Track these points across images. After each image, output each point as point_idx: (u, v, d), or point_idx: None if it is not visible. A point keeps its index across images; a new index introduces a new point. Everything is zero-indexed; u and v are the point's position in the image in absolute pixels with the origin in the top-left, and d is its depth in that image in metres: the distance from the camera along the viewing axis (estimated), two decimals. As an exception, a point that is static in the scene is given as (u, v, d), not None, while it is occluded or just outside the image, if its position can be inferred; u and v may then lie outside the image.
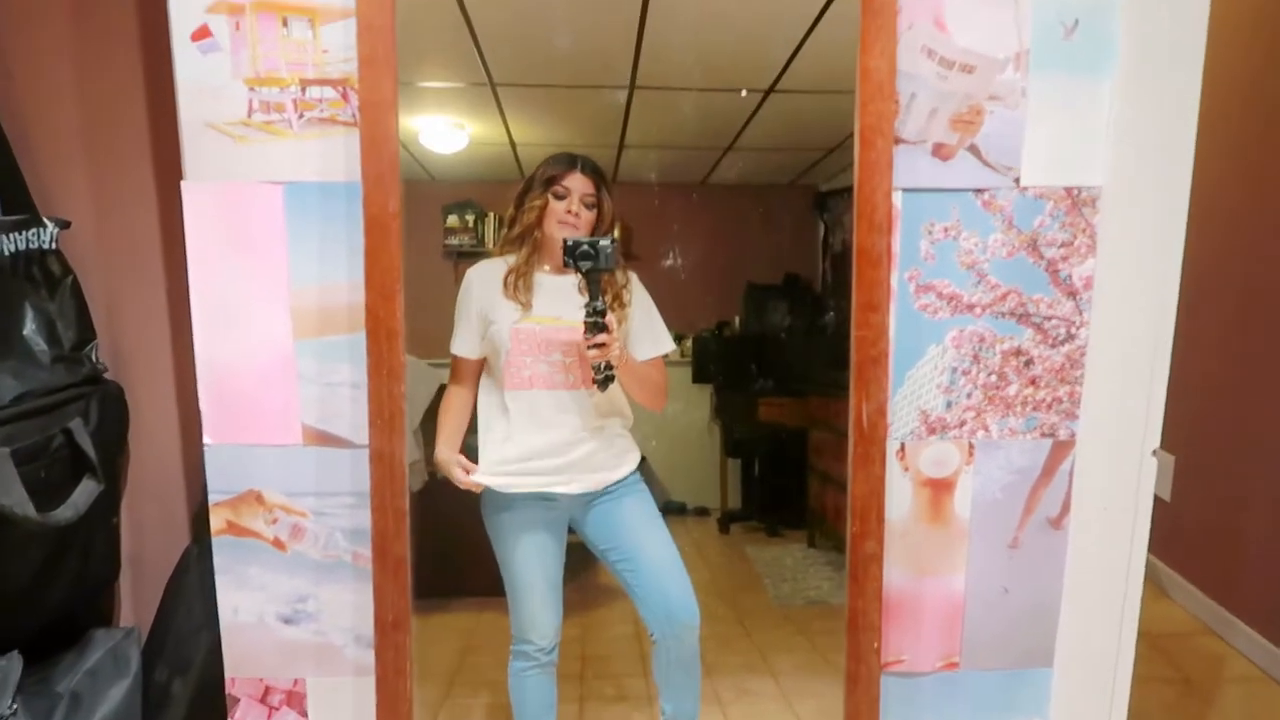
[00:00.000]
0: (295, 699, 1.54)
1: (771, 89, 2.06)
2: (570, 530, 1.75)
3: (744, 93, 2.09)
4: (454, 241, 2.54)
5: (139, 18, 1.65)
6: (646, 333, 1.70)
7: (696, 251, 2.45)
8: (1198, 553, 2.84)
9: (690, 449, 2.81)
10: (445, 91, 2.15)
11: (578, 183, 1.63)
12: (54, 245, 1.58)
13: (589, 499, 1.69)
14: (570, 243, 1.49)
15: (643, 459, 1.78)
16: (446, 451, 1.68)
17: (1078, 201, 1.42)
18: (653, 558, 1.69)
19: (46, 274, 1.58)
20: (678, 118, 2.19)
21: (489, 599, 1.81)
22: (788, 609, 2.52)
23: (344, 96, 1.38)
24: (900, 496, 1.49)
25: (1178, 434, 2.81)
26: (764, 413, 2.74)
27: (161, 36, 1.36)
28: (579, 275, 1.55)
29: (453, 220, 2.53)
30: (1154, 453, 1.47)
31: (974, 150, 1.41)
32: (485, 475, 1.65)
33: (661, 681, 1.75)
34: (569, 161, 1.64)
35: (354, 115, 1.37)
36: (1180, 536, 2.90)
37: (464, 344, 1.68)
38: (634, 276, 1.72)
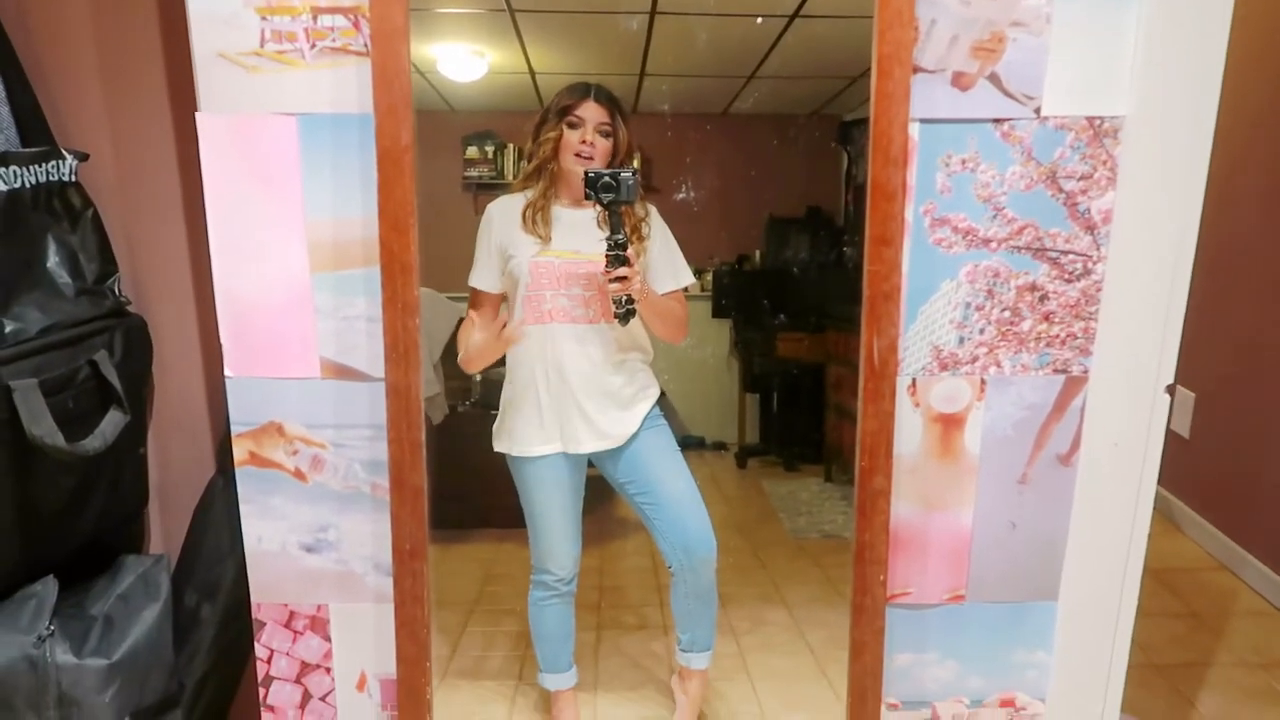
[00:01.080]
0: (319, 624, 1.59)
1: (795, 15, 2.01)
2: (589, 464, 1.77)
3: (760, 20, 2.04)
4: (474, 173, 2.53)
5: (150, -55, 1.64)
6: (666, 266, 1.70)
7: (717, 183, 2.42)
8: (1214, 489, 2.84)
9: (709, 384, 2.82)
10: (464, 17, 2.12)
11: (591, 111, 1.61)
12: (74, 178, 1.59)
13: None
14: (591, 174, 1.49)
15: (662, 393, 1.79)
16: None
17: (1099, 132, 1.39)
18: (671, 492, 1.71)
19: (67, 206, 1.59)
20: (698, 45, 2.15)
21: (509, 530, 1.85)
22: (803, 542, 2.55)
23: (355, 25, 1.36)
24: (910, 432, 1.49)
25: (1198, 370, 2.79)
26: (783, 348, 2.75)
27: (173, -37, 1.35)
28: (598, 208, 1.55)
29: (472, 151, 2.51)
30: (1168, 389, 1.46)
31: (994, 79, 1.38)
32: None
33: (679, 612, 1.80)
34: (583, 91, 1.62)
35: (366, 44, 1.35)
36: (1197, 473, 2.90)
37: (484, 278, 1.69)
38: (653, 209, 1.71)
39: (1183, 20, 1.35)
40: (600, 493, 1.84)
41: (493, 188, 2.44)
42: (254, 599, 1.58)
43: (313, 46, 1.36)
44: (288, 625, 1.59)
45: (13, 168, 1.47)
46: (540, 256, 1.63)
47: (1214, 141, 1.38)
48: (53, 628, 1.47)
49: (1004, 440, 1.51)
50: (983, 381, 1.48)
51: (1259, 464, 2.59)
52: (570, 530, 1.76)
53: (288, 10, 1.35)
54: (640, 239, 1.65)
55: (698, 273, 2.62)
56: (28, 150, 1.52)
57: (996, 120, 1.39)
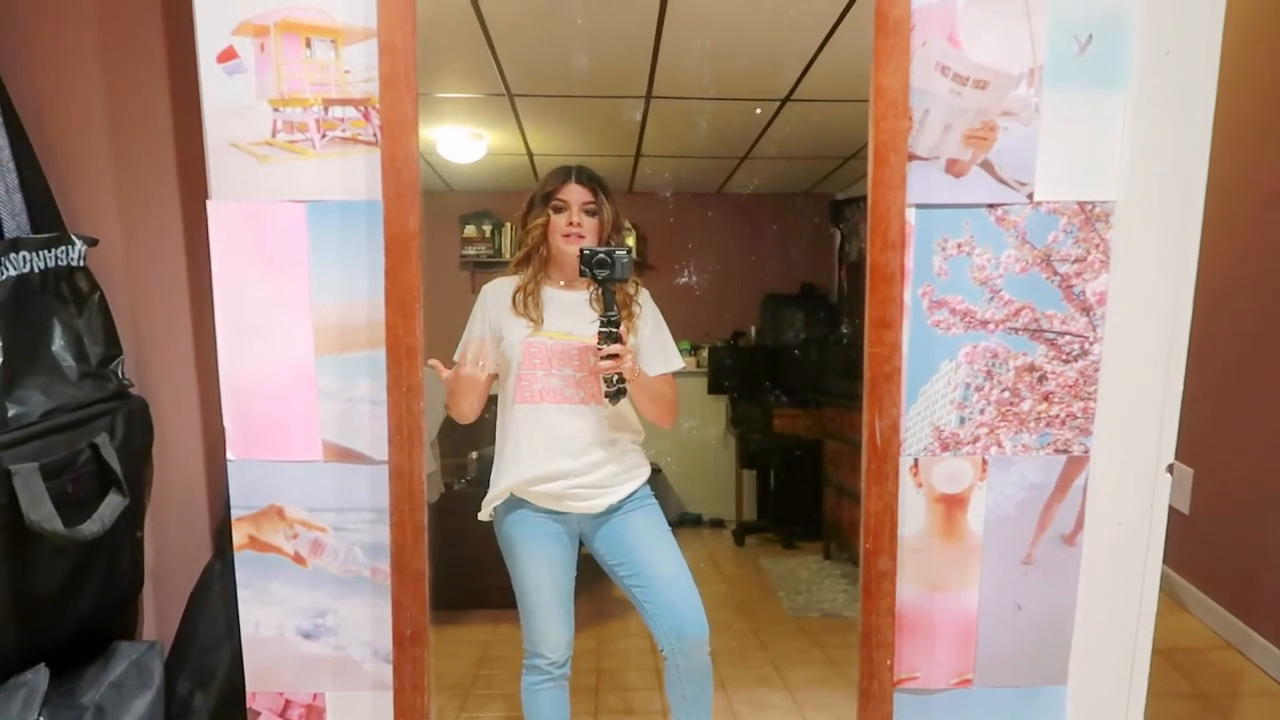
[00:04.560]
0: (315, 713, 1.56)
1: (787, 98, 2.07)
2: (580, 543, 1.76)
3: (758, 110, 2.10)
4: (471, 251, 2.55)
5: (166, 39, 1.69)
6: (657, 349, 1.71)
7: (712, 261, 2.45)
8: (1216, 567, 2.82)
9: (706, 460, 2.81)
10: (463, 102, 2.17)
11: (575, 193, 1.64)
12: (82, 262, 1.61)
13: (601, 514, 1.70)
14: (587, 252, 1.51)
15: (657, 470, 1.78)
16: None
17: (1091, 217, 1.43)
18: (662, 573, 1.69)
19: (75, 290, 1.61)
20: (693, 128, 2.20)
21: (504, 611, 1.82)
22: (803, 621, 2.51)
23: (365, 116, 1.40)
24: (914, 512, 1.49)
25: (1197, 447, 2.80)
26: (779, 424, 2.75)
27: (188, 58, 1.39)
28: (592, 286, 1.57)
29: (470, 230, 2.55)
30: (1169, 468, 1.47)
31: (987, 166, 1.42)
32: (501, 491, 1.66)
33: (674, 698, 1.76)
34: (564, 174, 1.66)
35: (375, 134, 1.39)
36: (1198, 550, 2.88)
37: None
38: (646, 292, 1.73)
39: (1168, 108, 1.40)
40: (595, 573, 1.82)
41: (490, 266, 2.46)
42: (249, 687, 1.55)
43: (323, 136, 1.40)
44: (283, 714, 1.56)
45: (23, 253, 1.49)
46: (533, 337, 1.64)
47: (1204, 224, 1.42)
48: (41, 718, 1.43)
49: (1007, 520, 1.51)
50: (984, 462, 1.49)
51: (1261, 539, 2.58)
52: (562, 611, 1.73)
53: (300, 102, 1.39)
54: (631, 317, 1.67)
55: (694, 349, 2.64)
56: (38, 236, 1.55)
57: (990, 205, 1.43)
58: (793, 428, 2.73)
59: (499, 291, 1.70)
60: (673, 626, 1.68)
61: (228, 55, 1.38)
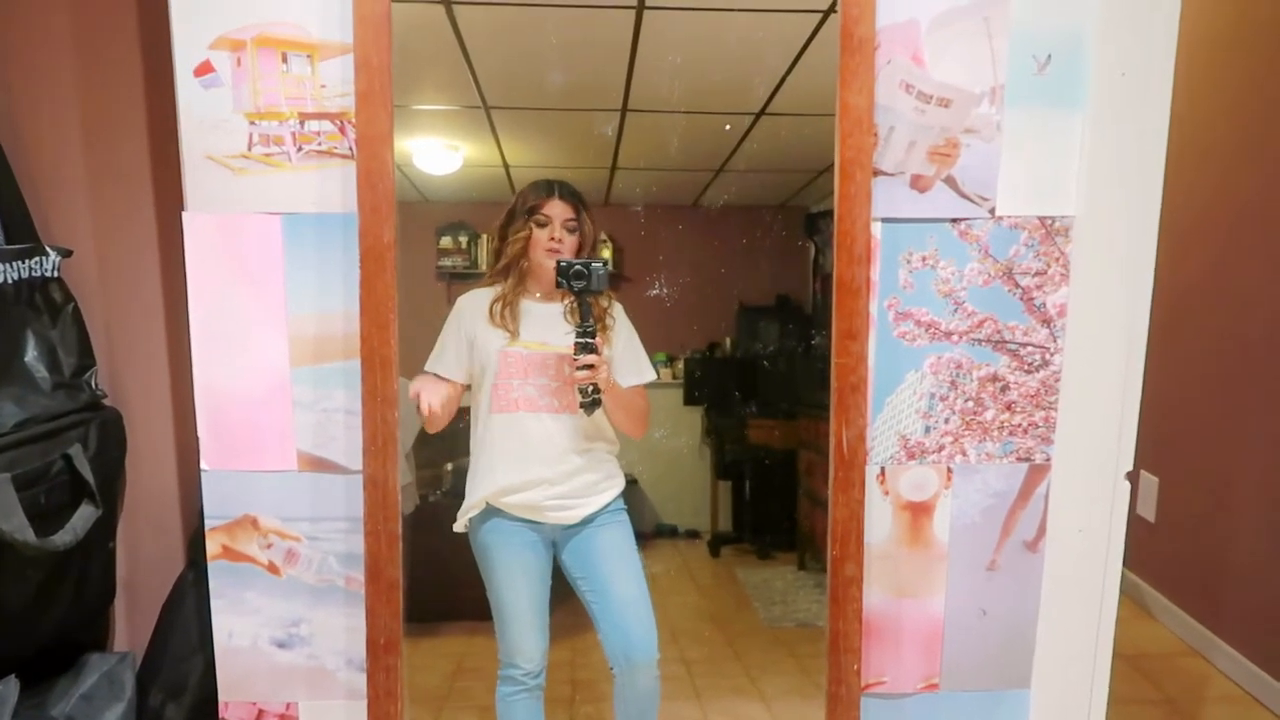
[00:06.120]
0: (288, 722, 1.56)
1: (760, 113, 2.09)
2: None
3: (727, 127, 2.12)
4: (447, 263, 2.55)
5: (142, 52, 1.70)
6: (630, 361, 1.72)
7: (688, 273, 2.47)
8: (1181, 574, 2.87)
9: (681, 472, 2.82)
10: (439, 114, 2.18)
11: (558, 209, 1.66)
12: (56, 273, 1.62)
13: (573, 525, 1.72)
14: (564, 264, 1.53)
15: (633, 481, 1.80)
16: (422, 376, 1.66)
17: (1051, 231, 1.47)
18: (619, 594, 1.71)
19: (48, 301, 1.61)
20: (669, 141, 2.22)
21: (480, 623, 1.82)
22: (778, 631, 2.52)
23: (341, 130, 1.42)
24: (880, 520, 1.52)
25: (1161, 455, 2.86)
26: (754, 435, 2.76)
27: (164, 71, 1.40)
28: (568, 299, 1.59)
29: (446, 242, 2.55)
30: (1128, 475, 1.51)
31: (951, 182, 1.45)
32: (477, 502, 1.67)
33: (619, 714, 1.78)
34: (547, 189, 1.68)
35: (351, 148, 1.41)
36: (1164, 558, 2.93)
37: (449, 367, 1.70)
38: (619, 305, 1.75)
39: (1124, 126, 1.44)
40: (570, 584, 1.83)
41: (466, 277, 2.46)
42: (221, 697, 1.55)
43: (299, 149, 1.42)
44: (256, 725, 1.56)
45: (-3, 264, 1.49)
46: (510, 347, 1.66)
47: (1163, 230, 1.46)
48: (12, 730, 1.43)
49: (972, 527, 1.54)
50: (949, 470, 1.52)
51: (1225, 548, 2.63)
52: (537, 621, 1.74)
53: (276, 115, 1.41)
54: (605, 329, 1.69)
55: (670, 360, 2.66)
56: (12, 247, 1.55)
57: (954, 220, 1.46)
58: (767, 439, 2.75)
59: (475, 301, 1.71)
60: (623, 648, 1.70)
61: (204, 69, 1.39)
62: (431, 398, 1.61)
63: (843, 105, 1.39)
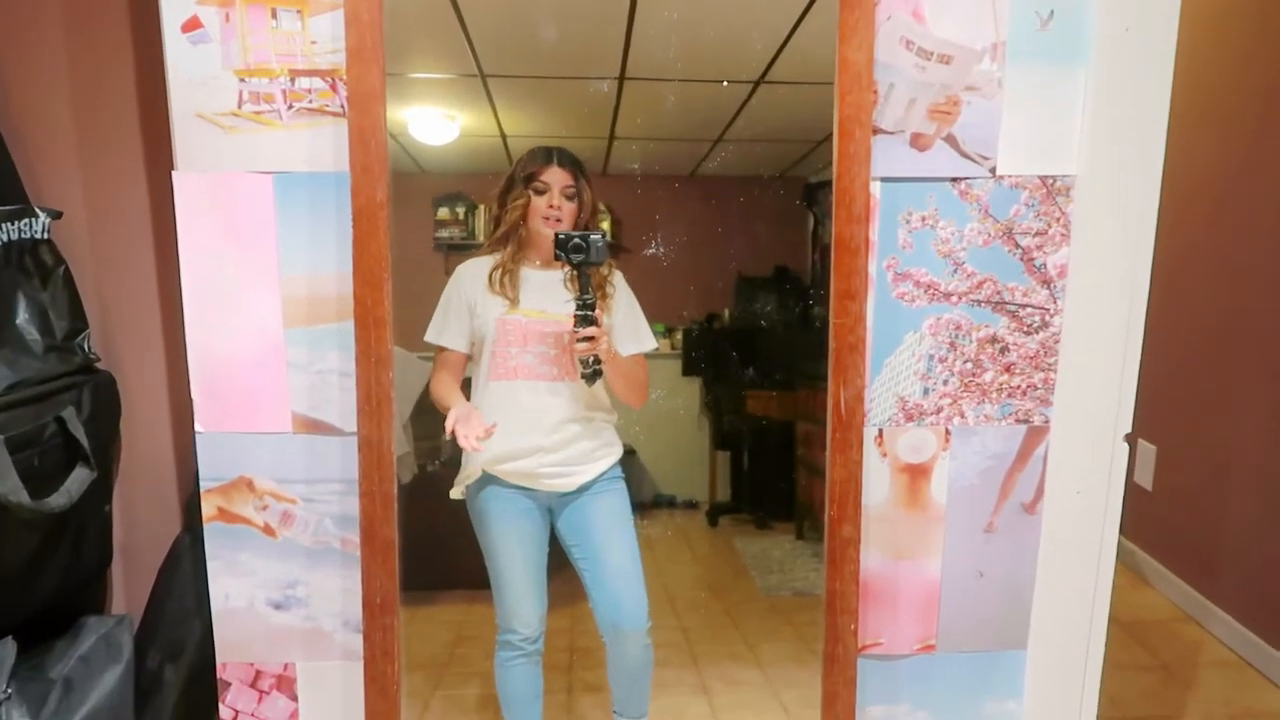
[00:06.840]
0: (285, 683, 1.57)
1: (760, 80, 2.07)
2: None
3: (725, 83, 2.10)
4: (445, 234, 2.54)
5: (130, 9, 1.67)
6: (630, 330, 1.72)
7: (686, 243, 2.45)
8: (1178, 541, 2.87)
9: (679, 442, 2.82)
10: (435, 83, 2.16)
11: (556, 176, 1.65)
12: (46, 235, 1.60)
13: (569, 492, 1.72)
14: (562, 236, 1.52)
15: (631, 452, 1.79)
16: (460, 404, 1.61)
17: (1052, 190, 1.45)
18: (611, 564, 1.71)
19: (39, 264, 1.60)
20: (667, 109, 2.20)
21: (478, 591, 1.82)
22: (775, 600, 2.53)
23: (333, 87, 1.40)
24: (878, 482, 1.52)
25: (1160, 425, 2.86)
26: (752, 405, 2.76)
27: (152, 27, 1.38)
28: (567, 269, 1.57)
29: (443, 213, 2.53)
30: (1127, 438, 1.50)
31: (951, 140, 1.44)
32: (474, 470, 1.67)
33: (611, 681, 1.79)
34: (546, 156, 1.66)
35: (342, 106, 1.39)
36: (1161, 525, 2.94)
37: (451, 336, 1.69)
38: (619, 273, 1.73)
39: (1127, 83, 1.42)
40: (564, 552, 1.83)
41: (464, 248, 2.45)
42: (219, 658, 1.55)
43: (290, 107, 1.40)
44: (253, 685, 1.56)
45: (-14, 225, 1.48)
46: (508, 315, 1.65)
47: (1162, 197, 1.44)
48: (10, 691, 1.43)
49: (970, 489, 1.53)
50: (947, 432, 1.52)
51: (1221, 516, 2.63)
52: (534, 587, 1.74)
53: (266, 72, 1.39)
54: (605, 298, 1.68)
55: (669, 331, 2.65)
56: (1, 209, 1.53)
57: (954, 179, 1.45)
58: (766, 409, 2.75)
59: (474, 269, 1.70)
60: (612, 618, 1.70)
61: (192, 25, 1.37)
62: (469, 433, 1.53)
63: (842, 61, 1.37)
